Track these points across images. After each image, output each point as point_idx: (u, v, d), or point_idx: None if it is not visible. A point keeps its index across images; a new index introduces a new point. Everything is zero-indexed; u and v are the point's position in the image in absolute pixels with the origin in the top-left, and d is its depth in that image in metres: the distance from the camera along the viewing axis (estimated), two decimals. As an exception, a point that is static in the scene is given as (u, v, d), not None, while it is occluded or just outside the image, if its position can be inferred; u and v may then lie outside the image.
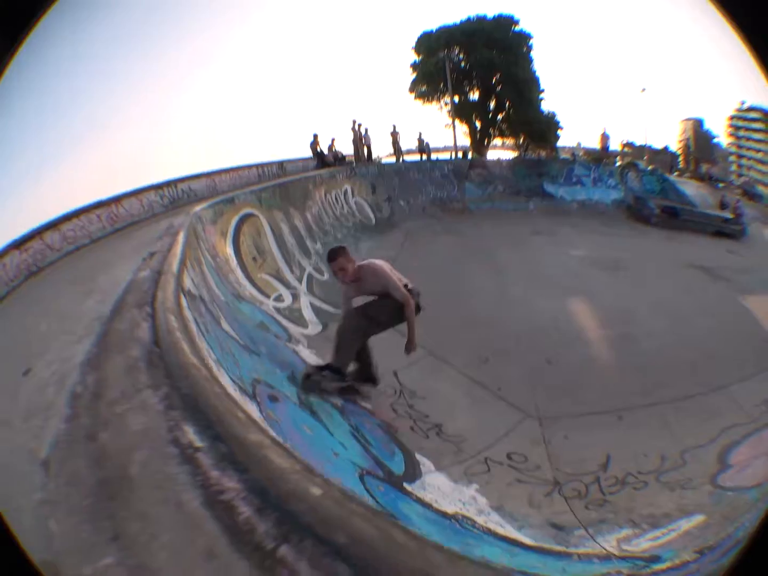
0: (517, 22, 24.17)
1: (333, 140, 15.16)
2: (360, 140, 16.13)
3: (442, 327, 6.59)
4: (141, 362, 2.13)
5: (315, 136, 14.51)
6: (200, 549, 1.19)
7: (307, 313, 6.52)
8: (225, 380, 2.45)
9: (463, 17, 24.38)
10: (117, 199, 7.78)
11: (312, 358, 5.10)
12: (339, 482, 2.22)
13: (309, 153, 14.75)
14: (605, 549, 3.10)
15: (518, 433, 4.80)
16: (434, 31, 24.35)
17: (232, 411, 1.81)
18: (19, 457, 1.77)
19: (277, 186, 9.12)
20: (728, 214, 20.59)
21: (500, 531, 3.17)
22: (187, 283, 3.49)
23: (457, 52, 24.02)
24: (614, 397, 5.55)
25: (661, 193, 19.86)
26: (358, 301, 4.22)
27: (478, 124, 25.10)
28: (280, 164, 13.73)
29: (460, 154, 23.06)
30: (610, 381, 5.98)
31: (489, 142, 24.88)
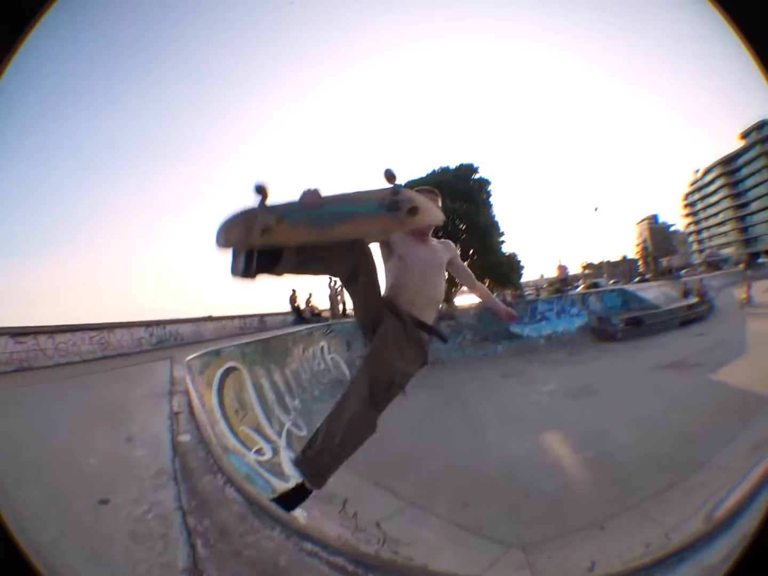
0: (476, 170, 26.65)
1: (310, 295, 16.16)
2: (336, 296, 17.05)
3: (422, 477, 6.94)
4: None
5: (293, 291, 15.60)
6: None
7: (287, 468, 6.57)
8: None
9: (428, 170, 26.92)
10: (109, 327, 8.05)
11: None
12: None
13: (288, 307, 15.62)
14: None
15: (503, 563, 4.83)
16: (402, 185, 26.86)
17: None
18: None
19: (259, 342, 9.56)
20: (693, 299, 22.25)
21: None
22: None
23: None
24: (594, 511, 5.65)
25: (624, 306, 20.91)
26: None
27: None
28: (261, 317, 14.32)
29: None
30: (589, 498, 6.12)
31: (456, 290, 25.87)
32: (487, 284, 25.92)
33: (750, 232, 67.95)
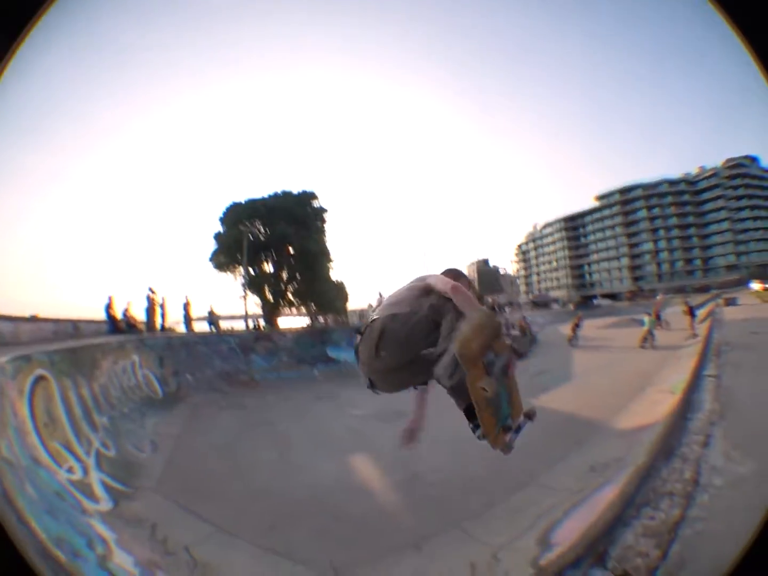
0: (316, 197, 27.49)
1: (129, 303, 15.09)
2: (153, 308, 16.25)
3: (228, 502, 6.80)
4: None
5: (110, 299, 14.34)
6: None
7: (98, 490, 6.26)
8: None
9: (271, 192, 27.01)
10: None
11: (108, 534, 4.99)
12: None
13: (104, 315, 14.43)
14: None
15: None
16: (243, 203, 26.45)
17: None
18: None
19: (68, 351, 8.81)
20: (514, 333, 24.05)
21: None
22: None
23: (258, 225, 26.06)
24: (409, 532, 5.73)
25: None
26: None
27: (269, 295, 26.56)
28: (75, 324, 13.11)
29: (251, 323, 24.18)
30: (403, 519, 6.22)
31: (280, 312, 26.39)
32: (312, 308, 26.83)
33: (586, 278, 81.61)
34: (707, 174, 72.59)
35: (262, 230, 26.31)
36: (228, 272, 26.37)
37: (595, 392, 10.87)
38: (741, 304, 27.61)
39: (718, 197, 70.33)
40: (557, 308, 55.94)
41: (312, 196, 27.68)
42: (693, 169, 74.56)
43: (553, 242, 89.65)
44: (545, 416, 8.05)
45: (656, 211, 76.67)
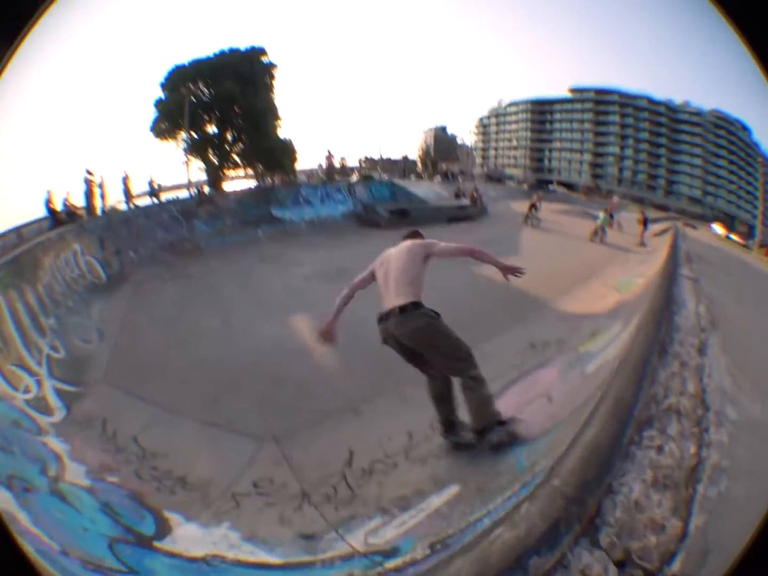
0: (265, 53, 25.70)
1: (68, 193, 14.45)
2: (92, 191, 15.66)
3: (171, 379, 6.75)
4: None
5: (49, 192, 13.75)
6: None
7: (52, 400, 6.30)
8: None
9: (217, 50, 24.87)
10: None
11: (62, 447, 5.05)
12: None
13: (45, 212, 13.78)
14: (351, 546, 3.17)
15: (259, 460, 4.83)
16: (186, 64, 24.31)
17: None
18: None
19: (8, 262, 8.59)
20: (464, 201, 24.21)
21: (250, 559, 3.28)
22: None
23: (202, 86, 24.36)
24: (348, 395, 5.79)
25: (392, 198, 22.41)
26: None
27: (214, 158, 25.57)
28: (18, 231, 12.26)
29: (195, 191, 23.32)
30: (342, 381, 6.25)
31: (225, 176, 25.65)
32: (259, 168, 26.14)
33: (545, 163, 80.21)
34: (691, 110, 68.80)
35: (206, 91, 24.60)
36: (170, 140, 24.73)
37: (541, 272, 10.27)
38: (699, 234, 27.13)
39: (697, 135, 67.62)
40: (513, 185, 55.24)
41: (261, 51, 25.67)
42: (677, 100, 70.26)
43: (517, 122, 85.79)
44: (488, 285, 8.86)
45: (629, 120, 73.51)
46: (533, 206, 21.73)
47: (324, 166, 27.13)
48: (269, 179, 26.24)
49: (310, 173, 29.01)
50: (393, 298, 3.78)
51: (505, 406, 4.32)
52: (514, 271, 3.71)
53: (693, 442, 2.43)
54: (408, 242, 4.12)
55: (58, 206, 14.10)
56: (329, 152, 26.75)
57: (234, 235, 18.31)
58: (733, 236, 34.14)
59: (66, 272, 10.95)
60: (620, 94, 72.27)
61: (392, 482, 3.96)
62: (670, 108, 71.27)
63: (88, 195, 15.64)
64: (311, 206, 20.84)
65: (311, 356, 6.99)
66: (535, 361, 6.27)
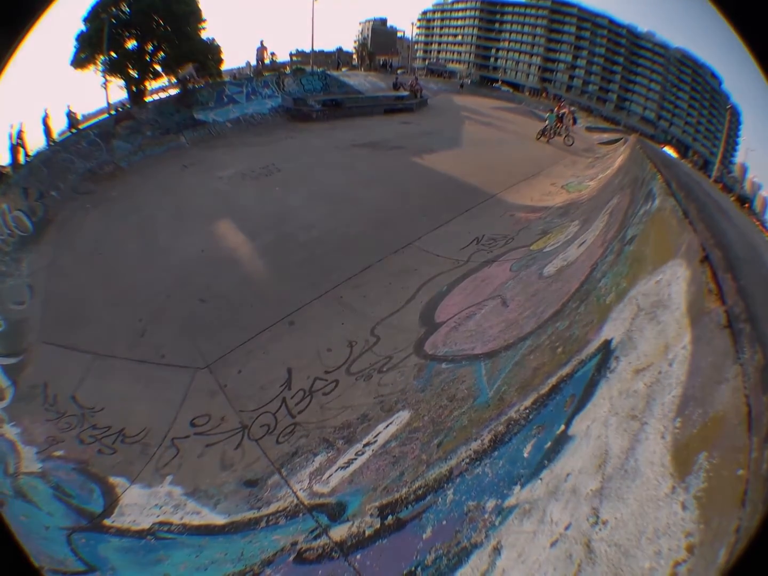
0: None
1: None
2: (15, 143, 14.61)
3: (97, 320, 6.40)
4: None
5: None
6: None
7: (1, 380, 5.90)
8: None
9: None
10: None
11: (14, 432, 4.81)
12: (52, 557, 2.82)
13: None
14: (296, 497, 3.05)
15: (194, 394, 4.68)
16: None
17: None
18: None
19: None
20: (403, 93, 23.36)
21: (195, 522, 3.23)
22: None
23: (123, 6, 22.27)
24: (280, 305, 5.51)
25: (324, 90, 21.52)
26: None
27: (133, 72, 23.47)
28: None
29: (116, 111, 21.21)
30: (273, 291, 5.97)
31: (146, 89, 23.40)
32: (182, 75, 23.75)
33: (491, 61, 76.30)
34: (655, 41, 64.90)
35: (126, 9, 22.38)
36: (90, 66, 22.38)
37: (485, 165, 10.37)
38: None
39: (659, 65, 64.35)
40: (462, 81, 53.13)
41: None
42: (642, 28, 66.20)
43: (464, 18, 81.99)
44: (429, 176, 9.66)
45: (586, 34, 69.83)
46: (559, 119, 17.98)
47: (253, 62, 25.30)
48: (194, 83, 24.49)
49: (238, 72, 26.98)
50: None
51: (452, 305, 4.20)
52: None
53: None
54: None
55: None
56: (262, 43, 24.86)
57: (155, 147, 17.10)
58: (685, 162, 33.70)
59: (-3, 235, 10.12)
60: (580, 8, 69.48)
61: (335, 404, 3.80)
62: (633, 33, 69.08)
63: (13, 149, 14.48)
64: (236, 104, 19.75)
65: (238, 265, 6.64)
66: (483, 259, 5.87)
